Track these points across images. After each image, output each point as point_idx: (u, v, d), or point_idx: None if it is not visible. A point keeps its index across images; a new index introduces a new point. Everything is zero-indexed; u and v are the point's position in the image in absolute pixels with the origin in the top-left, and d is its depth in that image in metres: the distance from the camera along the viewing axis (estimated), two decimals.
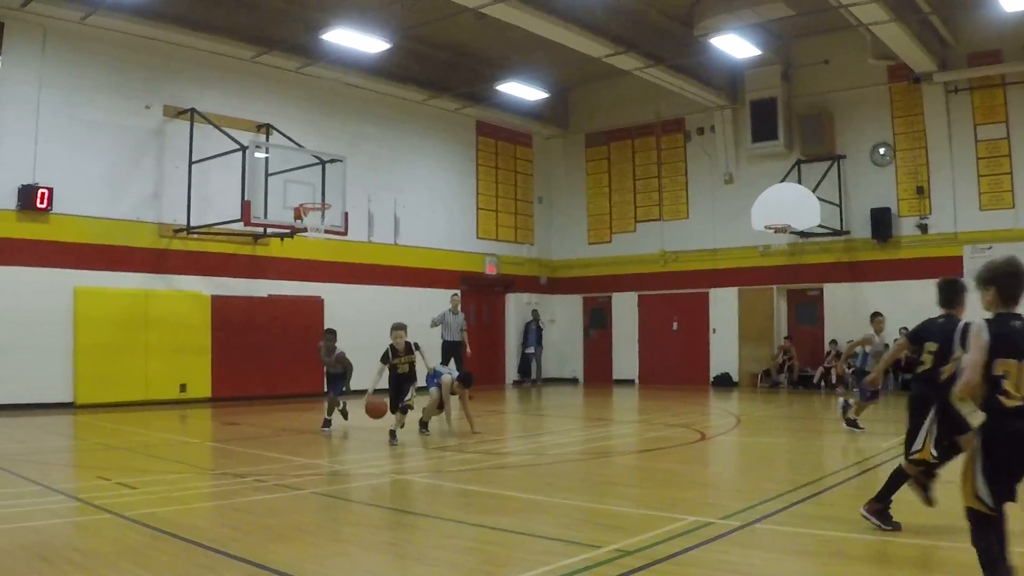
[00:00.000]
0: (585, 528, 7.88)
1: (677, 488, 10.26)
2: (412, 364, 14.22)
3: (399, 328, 14.19)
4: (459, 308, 21.47)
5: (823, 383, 25.83)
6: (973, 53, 24.21)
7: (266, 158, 20.67)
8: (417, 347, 14.38)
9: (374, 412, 13.85)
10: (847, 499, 9.12)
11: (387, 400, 14.01)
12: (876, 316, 16.36)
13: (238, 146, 20.16)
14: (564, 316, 31.84)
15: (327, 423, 15.58)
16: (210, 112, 21.56)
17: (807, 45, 26.53)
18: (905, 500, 9.12)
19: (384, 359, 13.99)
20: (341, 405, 15.97)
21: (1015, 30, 22.88)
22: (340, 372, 15.85)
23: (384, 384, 14.05)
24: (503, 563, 6.67)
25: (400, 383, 14.14)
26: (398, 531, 7.98)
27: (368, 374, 14.09)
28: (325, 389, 16.62)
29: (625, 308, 30.68)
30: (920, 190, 25.13)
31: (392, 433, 13.71)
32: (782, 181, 25.04)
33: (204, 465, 12.16)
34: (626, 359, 30.52)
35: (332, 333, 16.39)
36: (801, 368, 26.77)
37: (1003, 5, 20.11)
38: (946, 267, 23.83)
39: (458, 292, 23.56)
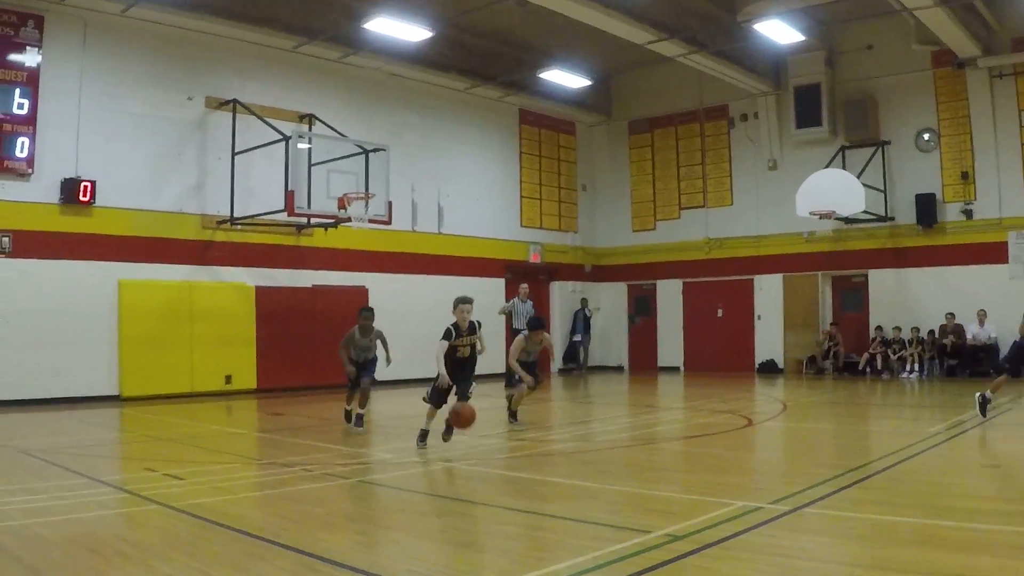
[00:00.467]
0: (634, 514, 7.87)
1: (725, 473, 10.22)
2: (474, 348, 11.72)
3: (465, 302, 11.58)
4: (528, 297, 21.47)
5: (868, 369, 25.64)
6: (1018, 38, 23.98)
7: (309, 148, 20.75)
8: (480, 326, 11.96)
9: (465, 421, 11.04)
10: (895, 483, 9.08)
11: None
12: None
13: (280, 136, 20.19)
14: (609, 304, 31.78)
15: (360, 420, 13.96)
16: (252, 103, 21.64)
17: (850, 30, 26.34)
18: (951, 484, 9.10)
19: (447, 337, 11.33)
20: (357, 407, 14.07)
21: None
22: (372, 357, 14.04)
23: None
24: (553, 548, 6.64)
25: (459, 369, 11.49)
26: (447, 518, 7.94)
27: (427, 360, 12.27)
28: (351, 382, 14.07)
29: (670, 295, 30.57)
30: (965, 176, 24.89)
31: (424, 435, 11.82)
32: (826, 167, 24.88)
33: (251, 455, 12.20)
34: (671, 346, 30.44)
35: (370, 311, 14.20)
36: (847, 354, 26.55)
37: None
38: (991, 253, 23.96)
39: (526, 285, 23.52)
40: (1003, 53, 24.15)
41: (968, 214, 24.85)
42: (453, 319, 11.33)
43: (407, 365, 17.77)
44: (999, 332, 23.71)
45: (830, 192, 23.39)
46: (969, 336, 24.30)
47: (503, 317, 21.17)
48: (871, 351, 25.75)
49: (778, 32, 22.95)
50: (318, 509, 8.03)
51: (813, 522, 7.42)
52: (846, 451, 12.25)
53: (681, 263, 30.15)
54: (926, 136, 25.58)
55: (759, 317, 28.58)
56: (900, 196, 25.73)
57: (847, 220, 25.13)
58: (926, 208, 25.14)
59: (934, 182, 25.35)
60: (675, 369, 30.00)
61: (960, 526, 7.08)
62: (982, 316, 24.04)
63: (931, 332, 24.93)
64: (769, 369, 27.89)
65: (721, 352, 29.10)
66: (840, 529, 7.23)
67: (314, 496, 8.66)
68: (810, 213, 23.64)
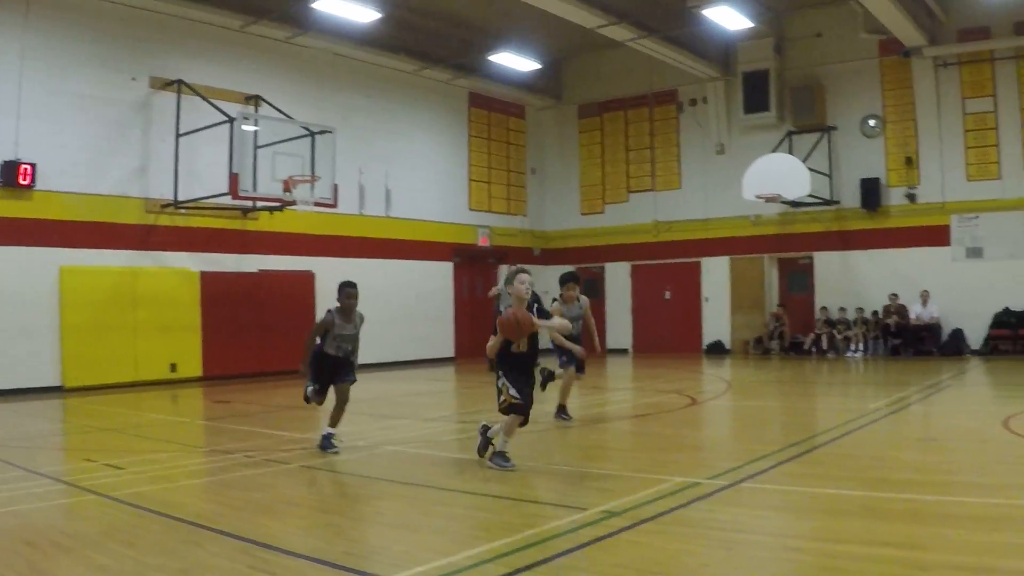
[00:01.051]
0: (574, 492, 7.92)
1: (665, 451, 10.34)
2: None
3: (524, 271, 9.25)
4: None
5: (814, 349, 25.98)
6: (963, 29, 24.45)
7: (255, 130, 20.47)
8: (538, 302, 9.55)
9: (521, 326, 9.03)
10: (834, 458, 9.23)
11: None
12: None
13: (226, 118, 19.95)
14: (557, 287, 31.62)
15: (329, 440, 10.43)
16: (197, 83, 21.30)
17: (800, 18, 26.70)
18: (889, 457, 9.23)
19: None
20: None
21: (1004, 7, 23.18)
22: (351, 350, 10.66)
23: None
24: (490, 528, 6.66)
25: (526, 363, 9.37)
26: (387, 501, 7.92)
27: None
28: (312, 385, 10.66)
29: (618, 278, 30.66)
30: (909, 161, 25.27)
31: (488, 443, 9.48)
32: (773, 152, 25.10)
33: (193, 443, 12.05)
34: (620, 328, 30.50)
35: (354, 287, 10.72)
36: (793, 335, 26.81)
37: None
38: (934, 236, 24.44)
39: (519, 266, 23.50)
40: (948, 43, 24.59)
41: (912, 198, 25.24)
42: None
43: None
44: (942, 312, 24.44)
45: (776, 176, 23.64)
46: (912, 316, 24.65)
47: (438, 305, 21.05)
48: (816, 331, 26.07)
49: (727, 18, 23.03)
50: (258, 495, 7.98)
51: (751, 496, 7.53)
52: (787, 428, 12.42)
53: (629, 246, 30.22)
54: (871, 122, 25.86)
55: (707, 299, 28.74)
56: (845, 180, 25.99)
57: (793, 204, 25.37)
58: (871, 192, 25.48)
59: (878, 167, 25.68)
60: (624, 351, 30.09)
61: (896, 497, 7.23)
62: (925, 297, 24.48)
63: (875, 313, 25.28)
64: (716, 350, 28.11)
65: (669, 334, 29.26)
66: (777, 503, 7.37)
67: (255, 482, 8.60)
68: (756, 197, 23.85)
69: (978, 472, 8.60)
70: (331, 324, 10.42)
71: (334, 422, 10.42)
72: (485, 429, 9.51)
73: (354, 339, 10.62)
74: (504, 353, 9.07)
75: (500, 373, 9.06)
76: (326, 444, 10.28)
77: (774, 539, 6.26)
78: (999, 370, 20.33)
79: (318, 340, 10.50)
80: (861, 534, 6.16)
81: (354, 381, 10.60)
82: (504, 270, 20.04)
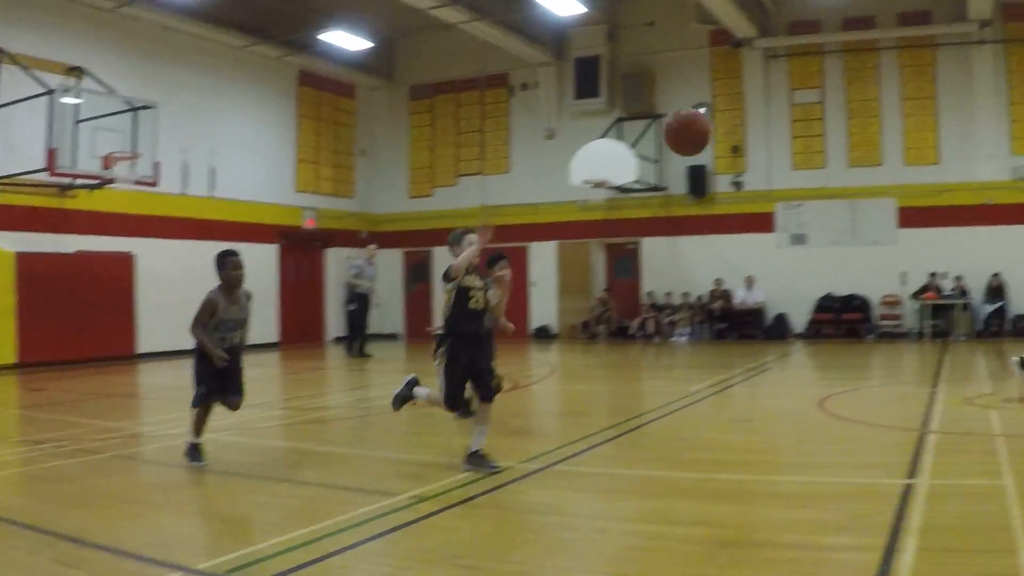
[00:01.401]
0: (386, 478, 7.86)
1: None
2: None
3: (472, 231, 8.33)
4: (373, 260, 21.04)
5: (640, 333, 26.43)
6: (793, 22, 25.39)
7: (76, 103, 19.73)
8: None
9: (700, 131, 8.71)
10: (648, 439, 9.47)
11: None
12: None
13: (45, 89, 19.15)
14: (386, 271, 31.54)
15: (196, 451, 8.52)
16: (18, 52, 20.35)
17: (633, 6, 27.05)
18: (701, 438, 9.46)
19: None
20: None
21: (833, 2, 24.21)
22: (240, 342, 8.76)
23: None
24: (299, 515, 6.56)
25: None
26: (194, 489, 7.76)
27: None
28: (200, 387, 8.48)
29: (445, 262, 30.26)
30: (735, 149, 25.95)
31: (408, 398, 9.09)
32: (602, 138, 25.31)
33: (1, 434, 11.50)
34: None
35: (237, 256, 8.66)
36: (620, 320, 27.21)
37: None
38: (759, 223, 25.16)
39: (374, 245, 23.43)
40: (778, 35, 25.43)
41: (738, 186, 25.95)
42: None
43: (176, 336, 17.11)
44: (766, 297, 25.31)
45: (604, 162, 23.78)
46: (737, 301, 25.35)
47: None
48: (643, 316, 26.49)
49: (560, 4, 23.15)
50: (64, 486, 7.69)
51: (563, 479, 7.62)
52: (608, 411, 12.64)
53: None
54: (700, 110, 26.31)
55: (534, 284, 28.89)
56: (673, 167, 26.35)
57: (620, 189, 25.64)
58: (698, 179, 26.06)
59: (706, 155, 25.98)
60: None
61: (711, 477, 7.48)
62: (750, 282, 25.24)
63: (700, 298, 25.84)
64: (543, 335, 28.31)
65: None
66: (588, 485, 7.47)
67: (61, 473, 8.27)
68: (584, 182, 24.00)
69: (794, 452, 8.90)
70: (213, 307, 8.36)
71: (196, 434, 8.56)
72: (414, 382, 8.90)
73: (243, 325, 8.70)
74: (457, 319, 8.03)
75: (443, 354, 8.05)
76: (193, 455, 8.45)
77: (582, 520, 6.38)
78: (821, 353, 21.06)
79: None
80: (670, 514, 6.32)
81: (242, 399, 8.76)
82: (369, 249, 19.95)
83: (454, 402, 8.08)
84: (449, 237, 8.39)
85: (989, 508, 6.22)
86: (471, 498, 6.73)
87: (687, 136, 8.73)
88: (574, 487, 7.36)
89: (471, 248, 7.88)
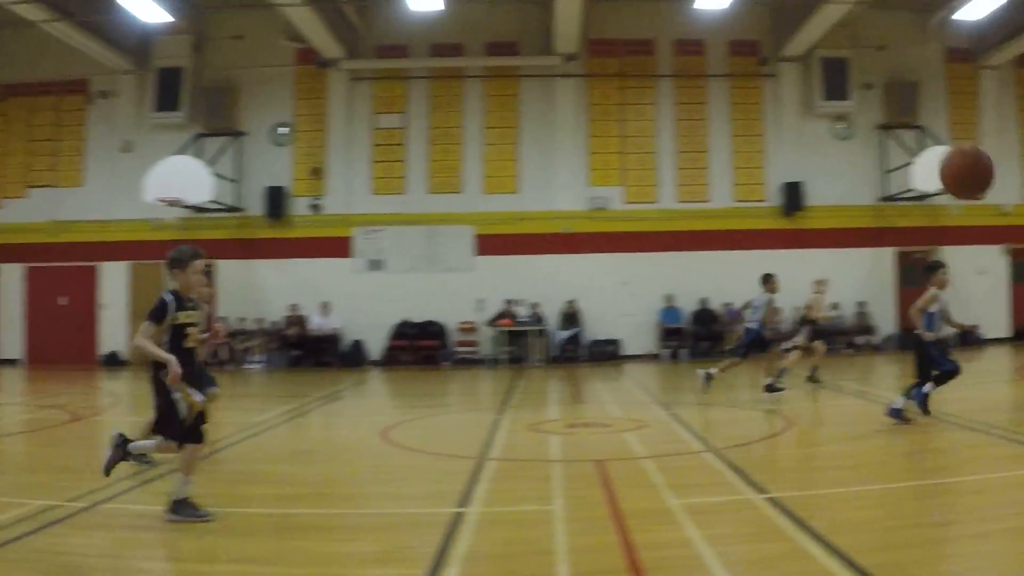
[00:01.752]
0: None
1: (32, 473, 9.78)
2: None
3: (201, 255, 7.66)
4: None
5: (215, 360, 25.46)
6: (381, 45, 25.79)
7: None
8: None
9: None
10: (201, 474, 8.95)
11: None
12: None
13: None
14: None
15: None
16: None
17: (223, 18, 26.20)
18: (261, 471, 9.20)
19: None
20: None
21: (420, 28, 24.67)
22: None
23: None
24: None
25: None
26: None
27: None
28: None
29: (12, 281, 28.30)
30: (315, 172, 25.88)
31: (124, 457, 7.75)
32: (178, 154, 24.37)
33: None
34: (11, 337, 28.15)
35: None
36: None
37: (409, 4, 22.06)
38: (337, 247, 25.24)
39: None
40: (366, 58, 25.70)
41: (317, 208, 25.87)
42: None
43: None
44: (344, 323, 25.30)
45: (179, 179, 23.00)
46: (313, 327, 25.13)
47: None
48: (215, 342, 25.58)
49: (145, 10, 22.16)
50: None
51: (108, 517, 7.26)
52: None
53: (25, 246, 27.83)
54: (281, 130, 26.15)
55: (104, 307, 27.36)
56: (252, 188, 25.99)
57: (196, 209, 24.83)
58: (275, 201, 25.77)
59: (285, 176, 26.08)
60: (15, 362, 27.88)
61: (260, 512, 7.37)
62: (325, 307, 25.08)
63: (275, 323, 25.43)
64: (114, 361, 26.78)
65: (65, 343, 27.29)
66: (136, 522, 7.12)
67: None
68: (157, 200, 23.08)
69: (346, 484, 8.85)
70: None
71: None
72: (123, 441, 7.53)
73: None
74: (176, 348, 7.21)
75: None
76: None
77: (118, 562, 6.07)
78: (395, 380, 21.35)
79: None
80: (214, 551, 6.12)
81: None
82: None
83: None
84: (173, 254, 7.48)
85: (535, 534, 6.45)
86: (9, 542, 6.28)
87: (977, 175, 7.75)
88: (119, 525, 6.98)
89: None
